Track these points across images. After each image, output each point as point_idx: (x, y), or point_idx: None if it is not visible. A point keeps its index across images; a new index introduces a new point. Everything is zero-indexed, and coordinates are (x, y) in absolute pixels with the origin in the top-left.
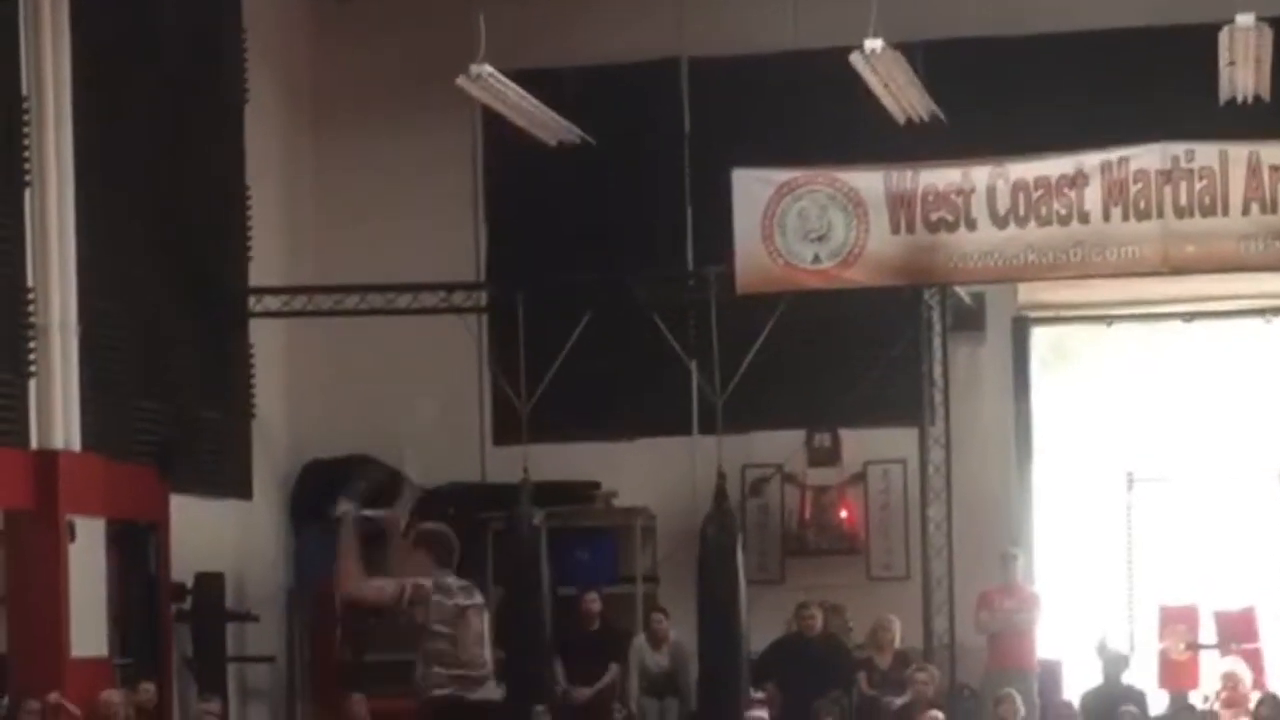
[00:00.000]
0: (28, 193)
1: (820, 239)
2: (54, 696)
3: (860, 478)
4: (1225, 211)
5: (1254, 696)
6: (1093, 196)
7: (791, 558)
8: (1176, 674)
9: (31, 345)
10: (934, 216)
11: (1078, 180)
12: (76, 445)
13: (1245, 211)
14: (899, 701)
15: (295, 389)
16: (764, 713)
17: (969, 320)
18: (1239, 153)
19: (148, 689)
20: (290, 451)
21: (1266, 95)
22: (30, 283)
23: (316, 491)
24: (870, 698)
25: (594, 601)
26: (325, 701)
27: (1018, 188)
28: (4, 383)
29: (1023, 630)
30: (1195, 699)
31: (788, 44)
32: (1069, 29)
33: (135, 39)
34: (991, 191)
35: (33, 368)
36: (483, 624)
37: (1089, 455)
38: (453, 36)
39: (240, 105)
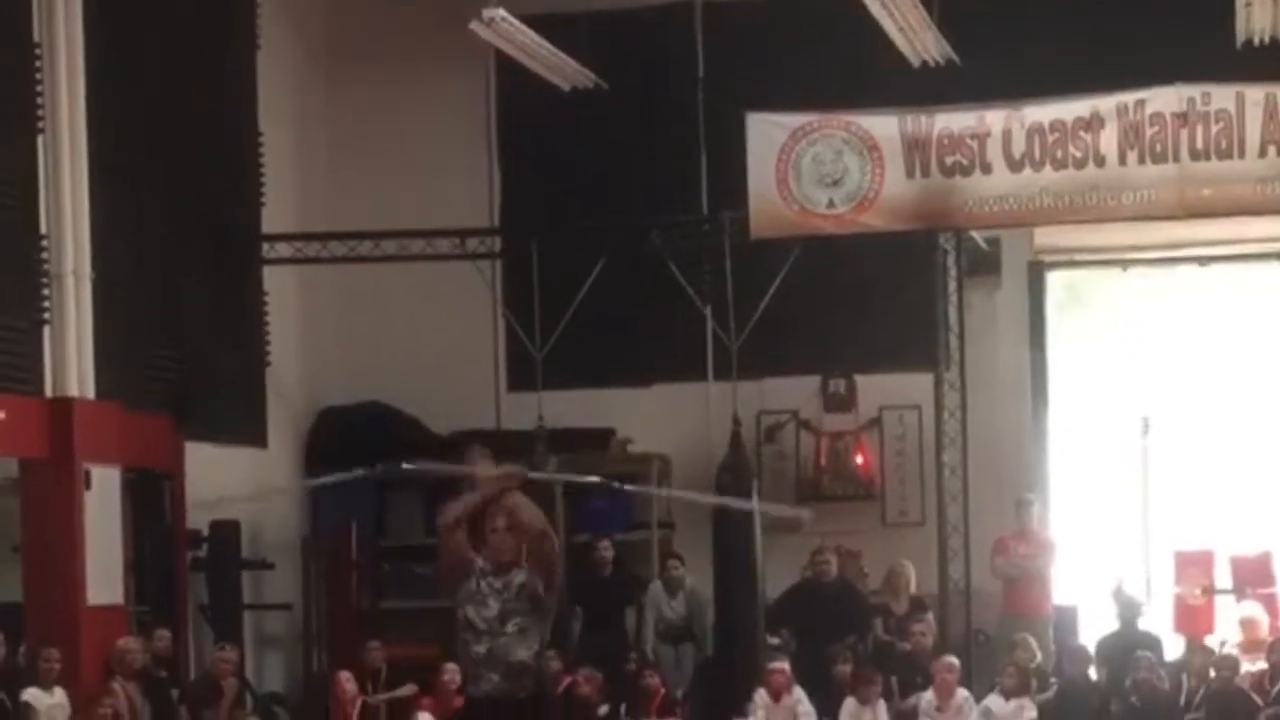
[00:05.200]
0: (40, 139)
1: (835, 183)
2: None
3: (876, 423)
4: (1242, 154)
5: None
6: (1108, 140)
7: (807, 503)
8: (1192, 619)
9: (45, 293)
10: (949, 160)
11: (1093, 123)
12: (91, 393)
13: (1262, 154)
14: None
15: (309, 336)
16: (784, 663)
17: (984, 265)
18: (1256, 95)
19: (163, 636)
20: (305, 399)
21: None
22: (44, 229)
23: (332, 439)
24: (885, 643)
25: (606, 549)
26: (342, 649)
27: (1033, 131)
28: (18, 330)
29: (1038, 576)
30: (1211, 644)
31: None
32: None
33: None
34: (1007, 135)
35: (47, 315)
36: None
37: (1104, 400)
38: None
39: (253, 51)
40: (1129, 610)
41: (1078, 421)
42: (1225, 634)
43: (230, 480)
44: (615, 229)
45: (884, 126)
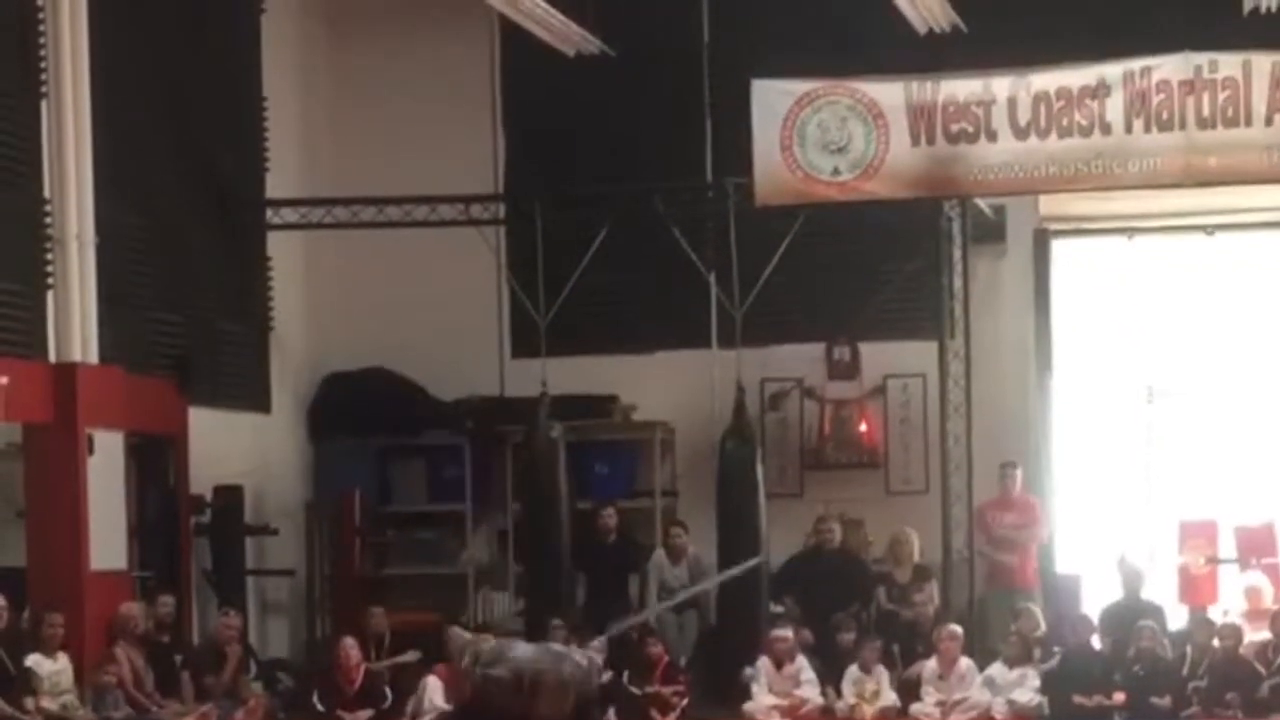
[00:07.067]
0: (44, 104)
1: (840, 150)
2: None
3: (880, 391)
4: (1248, 122)
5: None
6: (1115, 107)
7: (810, 471)
8: (1196, 589)
9: (49, 258)
10: (954, 128)
11: (1099, 91)
12: (95, 358)
13: (1269, 122)
14: None
15: (313, 301)
16: (788, 631)
17: (990, 233)
18: (1262, 63)
19: (167, 602)
20: (308, 364)
21: None
22: (47, 194)
23: (335, 405)
24: (888, 612)
25: (610, 516)
26: (345, 614)
27: (1039, 99)
28: (22, 295)
29: (1022, 546)
30: (1215, 614)
31: None
32: None
33: None
34: (1012, 102)
35: (50, 280)
36: None
37: (1109, 369)
38: None
39: (257, 15)
40: (1133, 579)
41: (1083, 391)
42: (1229, 604)
43: (234, 446)
44: (619, 195)
45: (889, 93)
